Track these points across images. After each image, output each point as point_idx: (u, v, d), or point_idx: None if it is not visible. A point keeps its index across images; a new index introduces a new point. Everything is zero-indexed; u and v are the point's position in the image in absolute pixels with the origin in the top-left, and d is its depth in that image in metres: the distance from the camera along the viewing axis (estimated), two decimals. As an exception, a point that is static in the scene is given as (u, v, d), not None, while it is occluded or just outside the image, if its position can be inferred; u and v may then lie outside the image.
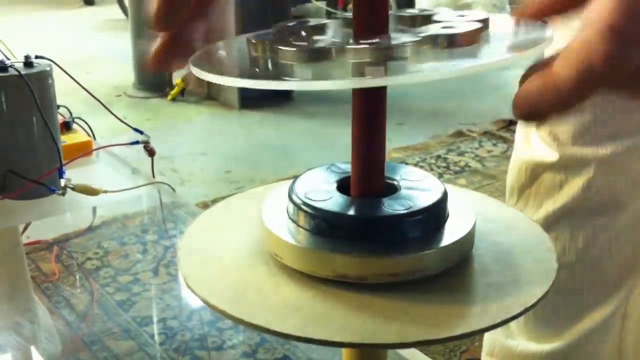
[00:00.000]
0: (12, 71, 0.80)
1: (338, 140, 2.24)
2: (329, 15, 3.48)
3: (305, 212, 0.33)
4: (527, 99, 0.27)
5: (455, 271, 0.33)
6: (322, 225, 0.32)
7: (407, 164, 2.20)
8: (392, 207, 0.33)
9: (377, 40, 0.28)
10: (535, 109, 0.27)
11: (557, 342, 0.75)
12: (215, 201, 1.93)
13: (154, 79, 3.00)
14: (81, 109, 1.06)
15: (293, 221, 0.34)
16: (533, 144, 0.73)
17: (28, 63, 0.83)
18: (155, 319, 1.28)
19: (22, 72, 0.81)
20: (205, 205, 1.91)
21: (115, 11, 4.51)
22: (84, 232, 1.48)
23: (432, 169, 2.15)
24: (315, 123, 2.60)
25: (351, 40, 0.30)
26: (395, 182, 0.35)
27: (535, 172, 0.73)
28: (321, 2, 4.14)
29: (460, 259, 0.33)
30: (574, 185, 0.70)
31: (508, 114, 2.69)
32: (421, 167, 2.18)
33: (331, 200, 0.33)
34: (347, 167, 0.36)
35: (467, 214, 0.35)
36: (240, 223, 0.38)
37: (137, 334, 1.21)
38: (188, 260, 0.34)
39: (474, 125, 2.47)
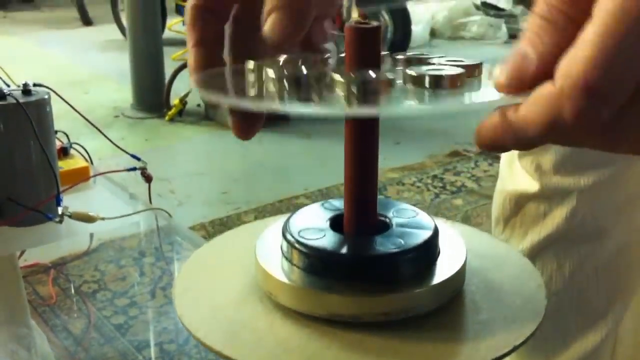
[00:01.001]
0: (10, 99, 0.81)
1: (335, 159, 2.25)
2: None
3: (299, 250, 0.34)
4: (489, 132, 0.27)
5: (446, 308, 0.33)
6: (316, 264, 0.33)
7: (403, 184, 2.21)
8: (385, 245, 0.33)
9: (366, 74, 0.29)
10: (496, 145, 0.27)
11: None
12: (212, 222, 1.94)
13: (151, 100, 3.02)
14: (79, 131, 1.07)
15: (287, 259, 0.34)
16: (515, 173, 0.74)
17: (26, 91, 0.84)
18: (152, 343, 1.28)
19: (21, 101, 0.81)
20: (202, 227, 1.92)
21: (113, 31, 4.54)
22: (81, 256, 1.49)
23: (428, 189, 2.16)
24: (312, 143, 2.61)
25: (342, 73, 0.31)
26: (388, 220, 0.36)
27: (519, 202, 0.74)
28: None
29: (451, 297, 0.34)
30: (558, 215, 0.71)
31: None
32: (417, 187, 2.18)
33: (324, 238, 0.34)
34: (341, 204, 0.37)
35: (458, 250, 0.36)
36: (236, 260, 0.38)
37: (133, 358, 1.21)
38: (183, 299, 0.35)
39: (470, 145, 2.49)
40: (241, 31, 0.37)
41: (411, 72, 0.30)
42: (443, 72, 0.30)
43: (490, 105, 0.27)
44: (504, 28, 4.73)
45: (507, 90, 0.27)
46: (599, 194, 0.70)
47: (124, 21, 3.59)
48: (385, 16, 3.76)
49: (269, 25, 0.33)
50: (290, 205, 2.06)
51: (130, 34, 3.05)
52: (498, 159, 2.30)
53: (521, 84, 0.26)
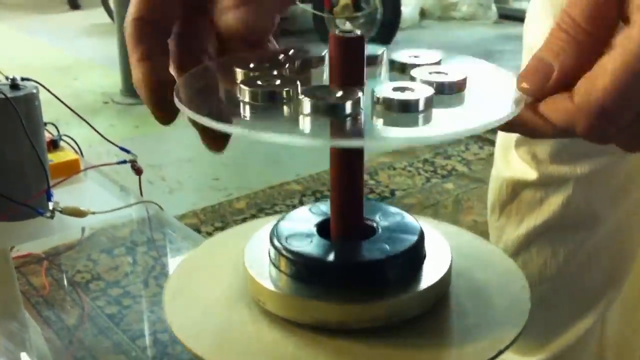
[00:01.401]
0: (-2, 95, 0.81)
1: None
2: (314, 18, 3.49)
3: (286, 257, 0.34)
4: (516, 124, 0.31)
5: (432, 313, 0.34)
6: (303, 272, 0.33)
7: (394, 168, 2.21)
8: (371, 252, 0.34)
9: (346, 94, 0.30)
10: (517, 131, 0.32)
11: (540, 355, 0.77)
12: (204, 210, 1.94)
13: (141, 85, 3.00)
14: (67, 119, 1.06)
15: (274, 265, 0.35)
16: (512, 162, 0.74)
17: (14, 85, 0.84)
18: (146, 332, 1.29)
19: (9, 95, 0.81)
20: (194, 214, 1.92)
21: (101, 15, 4.50)
22: (74, 246, 1.49)
23: (419, 173, 2.17)
24: (303, 127, 2.61)
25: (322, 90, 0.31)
26: (374, 224, 0.36)
27: (516, 189, 0.75)
28: (307, 5, 4.15)
29: (437, 300, 0.34)
30: (554, 202, 0.72)
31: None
32: (408, 171, 2.19)
33: (311, 245, 0.35)
34: (327, 209, 0.37)
35: (443, 253, 0.36)
36: (224, 264, 0.38)
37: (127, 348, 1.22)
38: (173, 305, 0.35)
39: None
40: (186, 44, 0.36)
41: (382, 95, 0.30)
42: (413, 96, 0.30)
43: (456, 135, 0.28)
44: (494, 8, 4.72)
45: (528, 93, 0.31)
46: (594, 182, 0.71)
47: (112, 4, 3.56)
48: (375, -3, 3.74)
49: (235, 18, 0.33)
50: (281, 191, 2.07)
51: (118, 19, 3.02)
52: (488, 142, 2.30)
53: (542, 91, 0.30)
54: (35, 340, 1.03)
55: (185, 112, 0.30)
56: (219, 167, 2.28)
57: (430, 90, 0.30)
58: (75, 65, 3.52)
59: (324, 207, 0.38)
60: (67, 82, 3.10)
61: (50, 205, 0.83)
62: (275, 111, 0.30)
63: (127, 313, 1.36)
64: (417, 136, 0.31)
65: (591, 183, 0.71)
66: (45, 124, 0.91)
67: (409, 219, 0.37)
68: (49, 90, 0.89)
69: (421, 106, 0.29)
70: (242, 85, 0.30)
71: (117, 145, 0.94)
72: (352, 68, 0.32)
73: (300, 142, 0.28)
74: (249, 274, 0.35)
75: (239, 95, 0.31)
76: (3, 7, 5.14)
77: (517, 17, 4.65)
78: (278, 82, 0.31)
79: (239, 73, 0.32)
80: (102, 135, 0.96)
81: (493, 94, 0.33)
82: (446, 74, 0.32)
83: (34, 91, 0.84)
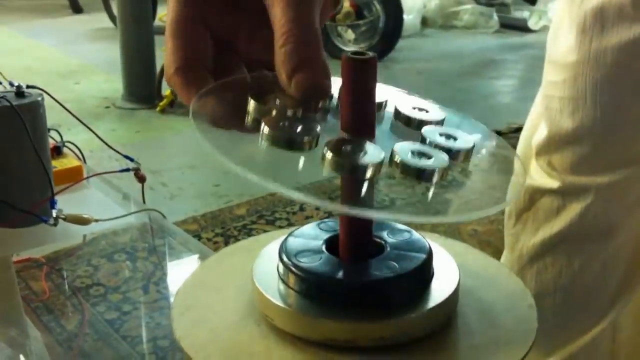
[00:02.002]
0: (3, 102, 0.81)
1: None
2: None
3: (295, 274, 0.34)
4: None
5: (440, 331, 0.34)
6: (312, 289, 0.34)
7: (394, 177, 2.20)
8: (380, 270, 0.34)
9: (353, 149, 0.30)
10: None
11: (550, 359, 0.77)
12: (204, 216, 1.94)
13: (142, 91, 3.01)
14: (70, 123, 1.06)
15: (283, 282, 0.35)
16: (532, 171, 0.74)
17: (19, 93, 0.84)
18: (145, 339, 1.29)
19: (14, 103, 0.81)
20: (195, 220, 1.92)
21: (103, 19, 4.51)
22: (74, 251, 1.49)
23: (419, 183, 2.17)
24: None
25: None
26: (383, 242, 0.37)
27: (534, 197, 0.74)
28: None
29: (445, 320, 0.35)
30: (572, 212, 0.72)
31: (496, 125, 2.71)
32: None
33: (320, 262, 0.35)
34: (336, 225, 0.37)
35: (451, 272, 0.36)
36: (233, 279, 0.39)
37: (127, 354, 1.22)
38: (182, 320, 0.36)
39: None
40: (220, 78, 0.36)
41: (400, 158, 0.30)
42: (430, 165, 0.30)
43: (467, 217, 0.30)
44: (495, 17, 4.73)
45: None
46: (614, 193, 0.71)
47: (115, 10, 3.56)
48: (377, 5, 3.76)
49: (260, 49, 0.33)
50: (282, 198, 2.07)
51: (120, 24, 3.03)
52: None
53: None
54: (35, 345, 1.03)
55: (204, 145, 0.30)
56: (220, 173, 2.28)
57: (445, 160, 0.31)
58: (77, 70, 3.52)
59: (333, 223, 0.38)
60: (68, 86, 3.11)
61: (54, 213, 0.83)
62: (293, 157, 0.30)
63: (127, 319, 1.35)
64: (426, 218, 0.31)
65: (611, 194, 0.71)
66: (49, 129, 0.92)
67: (417, 236, 0.37)
68: (53, 98, 0.89)
69: (436, 178, 0.30)
70: (264, 127, 0.30)
71: (120, 154, 0.95)
72: (364, 91, 0.32)
73: (314, 203, 0.28)
74: (258, 290, 0.35)
75: (259, 134, 0.31)
76: (5, 10, 5.15)
77: (518, 27, 4.66)
78: (299, 126, 0.31)
79: (260, 109, 0.32)
80: (106, 143, 0.96)
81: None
82: (456, 139, 0.33)
83: (39, 99, 0.85)
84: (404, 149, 0.31)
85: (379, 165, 0.30)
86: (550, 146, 0.72)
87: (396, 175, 0.30)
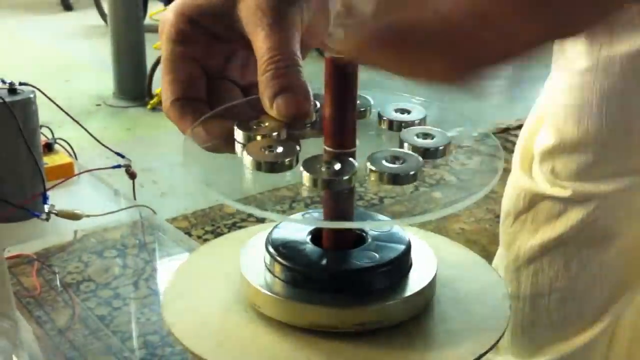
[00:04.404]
0: (-4, 99, 0.82)
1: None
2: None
3: (281, 264, 0.36)
4: None
5: (417, 318, 0.36)
6: (297, 278, 0.35)
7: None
8: (361, 260, 0.36)
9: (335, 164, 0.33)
10: None
11: (544, 357, 0.77)
12: (195, 214, 1.96)
13: (133, 89, 3.02)
14: (61, 120, 1.07)
15: (269, 271, 0.37)
16: (534, 175, 0.74)
17: (12, 90, 0.85)
18: (135, 334, 1.30)
19: (7, 100, 0.83)
20: (185, 218, 1.93)
21: (94, 17, 4.51)
22: (65, 247, 1.50)
23: (408, 181, 2.19)
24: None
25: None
26: (364, 233, 0.39)
27: (534, 200, 0.74)
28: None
29: (422, 307, 0.36)
30: (573, 217, 0.72)
31: (484, 126, 2.73)
32: (398, 178, 2.21)
33: (305, 252, 0.37)
34: (320, 216, 0.39)
35: (429, 262, 0.38)
36: (222, 269, 0.40)
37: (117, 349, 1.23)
38: (172, 308, 0.37)
39: (450, 136, 2.51)
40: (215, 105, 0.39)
41: (374, 167, 0.34)
42: (403, 170, 0.33)
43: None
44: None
45: None
46: (616, 201, 0.71)
47: (105, 6, 3.57)
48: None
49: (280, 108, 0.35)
50: (272, 197, 2.08)
51: (111, 22, 3.03)
52: (476, 152, 2.33)
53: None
54: (26, 339, 1.05)
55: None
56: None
57: (419, 162, 0.34)
58: (68, 67, 3.52)
59: (317, 215, 0.40)
60: (59, 84, 3.11)
61: (46, 208, 0.84)
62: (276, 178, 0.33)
63: (118, 314, 1.37)
64: (400, 219, 0.35)
65: (613, 202, 0.71)
66: (40, 126, 0.93)
67: (397, 228, 0.39)
68: (45, 95, 0.91)
69: (410, 179, 0.33)
70: (245, 153, 0.33)
71: (112, 150, 0.96)
72: (343, 135, 0.35)
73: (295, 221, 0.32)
74: (245, 279, 0.37)
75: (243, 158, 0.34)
76: (-4, 7, 5.13)
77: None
78: (280, 148, 0.34)
79: (243, 135, 0.35)
80: (98, 140, 0.98)
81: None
82: (433, 137, 0.35)
83: (31, 96, 0.86)
84: (378, 158, 0.34)
85: (350, 178, 0.33)
86: (554, 153, 0.72)
87: (374, 181, 0.33)
